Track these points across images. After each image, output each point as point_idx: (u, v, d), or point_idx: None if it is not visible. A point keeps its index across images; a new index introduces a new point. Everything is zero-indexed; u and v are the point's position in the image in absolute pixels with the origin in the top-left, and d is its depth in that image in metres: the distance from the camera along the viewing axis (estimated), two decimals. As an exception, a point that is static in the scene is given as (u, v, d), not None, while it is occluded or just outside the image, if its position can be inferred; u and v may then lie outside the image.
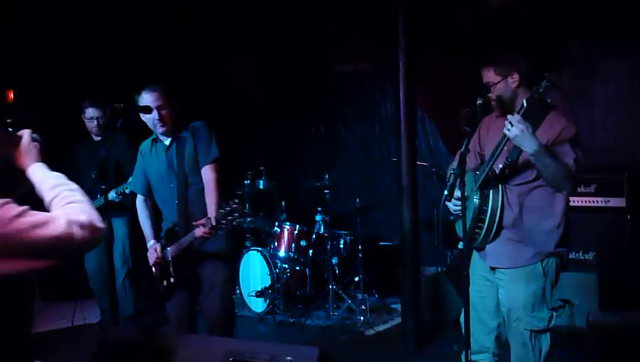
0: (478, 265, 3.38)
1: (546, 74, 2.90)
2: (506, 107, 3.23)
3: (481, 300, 3.27)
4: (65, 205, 1.87)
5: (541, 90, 2.91)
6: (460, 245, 3.62)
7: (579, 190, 5.35)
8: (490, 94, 3.24)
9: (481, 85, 3.24)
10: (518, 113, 2.95)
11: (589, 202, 5.34)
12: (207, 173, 3.80)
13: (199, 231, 3.55)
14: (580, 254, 5.26)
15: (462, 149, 3.05)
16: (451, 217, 3.54)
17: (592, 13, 5.40)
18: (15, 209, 1.72)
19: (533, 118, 3.02)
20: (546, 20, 5.48)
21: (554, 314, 3.21)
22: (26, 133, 2.02)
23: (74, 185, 1.97)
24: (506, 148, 3.14)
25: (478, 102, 3.19)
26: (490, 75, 3.22)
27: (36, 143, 2.04)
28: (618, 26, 5.38)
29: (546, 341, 3.18)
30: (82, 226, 1.78)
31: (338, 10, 6.39)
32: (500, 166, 3.18)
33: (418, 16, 5.00)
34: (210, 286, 3.86)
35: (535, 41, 5.52)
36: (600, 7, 5.35)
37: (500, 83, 3.19)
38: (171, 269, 3.81)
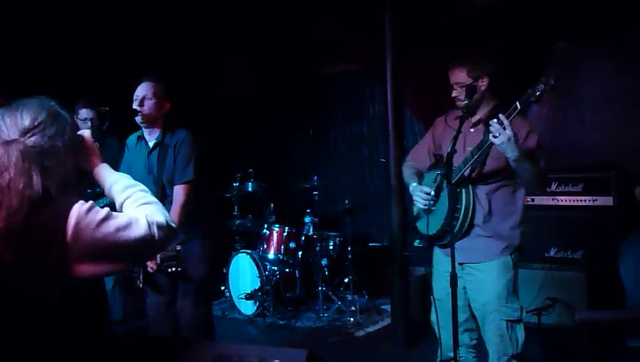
0: (443, 262, 3.45)
1: (542, 77, 2.92)
2: (470, 110, 3.27)
3: (449, 296, 3.29)
4: (139, 206, 1.86)
5: (537, 93, 2.91)
6: (416, 243, 3.76)
7: (566, 189, 5.38)
8: (458, 95, 3.29)
9: (468, 86, 3.26)
10: (508, 116, 2.96)
11: (577, 201, 5.36)
12: (177, 193, 3.79)
13: (149, 264, 3.59)
14: (569, 253, 5.28)
15: (449, 150, 3.08)
16: (415, 213, 3.62)
17: (579, 13, 5.41)
18: (101, 212, 1.71)
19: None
20: (532, 20, 5.49)
21: (522, 306, 3.32)
22: (86, 133, 1.99)
23: (144, 186, 1.97)
24: (470, 148, 3.23)
25: (465, 102, 3.22)
26: (461, 76, 3.28)
27: (96, 143, 2.01)
28: (605, 26, 5.40)
29: (521, 331, 3.28)
30: (160, 227, 1.78)
31: (326, 10, 6.38)
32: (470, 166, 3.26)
33: (405, 16, 5.01)
34: (183, 293, 3.88)
35: (522, 40, 5.54)
36: (587, 7, 5.36)
37: (470, 85, 3.25)
38: (141, 276, 3.81)
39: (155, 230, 1.76)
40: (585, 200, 5.32)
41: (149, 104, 3.79)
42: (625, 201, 5.09)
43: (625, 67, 5.58)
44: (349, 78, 7.39)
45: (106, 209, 1.73)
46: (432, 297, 3.53)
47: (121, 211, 1.89)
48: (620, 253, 4.77)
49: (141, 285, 3.83)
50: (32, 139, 1.71)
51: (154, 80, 3.86)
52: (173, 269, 3.54)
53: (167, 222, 1.81)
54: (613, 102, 5.67)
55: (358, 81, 7.35)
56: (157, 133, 3.89)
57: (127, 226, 1.72)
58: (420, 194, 3.43)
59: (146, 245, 1.75)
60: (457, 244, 3.26)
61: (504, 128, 2.91)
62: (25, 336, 1.68)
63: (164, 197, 3.80)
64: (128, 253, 1.74)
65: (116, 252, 1.71)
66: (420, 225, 3.61)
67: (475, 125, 3.33)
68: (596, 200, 5.27)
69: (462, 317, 3.37)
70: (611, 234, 5.10)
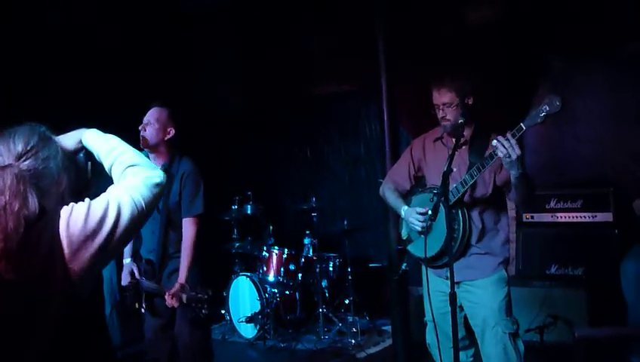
0: (436, 282, 3.48)
1: (546, 98, 2.94)
2: (454, 131, 3.28)
3: (443, 316, 3.36)
4: (122, 172, 1.89)
5: (543, 114, 2.92)
6: (404, 266, 3.79)
7: (566, 206, 5.38)
8: (445, 115, 3.30)
9: (463, 105, 3.27)
10: (512, 136, 2.97)
11: (576, 218, 5.36)
12: (187, 227, 3.76)
13: (168, 300, 3.58)
14: (569, 270, 5.26)
15: (445, 169, 3.07)
16: (404, 236, 3.62)
17: (571, 30, 5.43)
18: (81, 207, 1.74)
19: (481, 142, 3.12)
20: (526, 38, 5.51)
21: (519, 322, 3.37)
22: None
23: (124, 147, 1.98)
24: (455, 169, 3.24)
25: (460, 121, 3.23)
26: (450, 96, 3.29)
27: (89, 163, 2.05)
28: (597, 42, 5.42)
29: (520, 344, 3.33)
30: (141, 192, 1.82)
31: (321, 30, 6.41)
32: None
33: (399, 35, 5.03)
34: (181, 318, 3.84)
35: (515, 58, 5.56)
36: (579, 24, 5.39)
37: (458, 105, 3.28)
38: (143, 301, 3.79)
39: (138, 198, 1.80)
40: (584, 217, 5.32)
41: (150, 129, 3.80)
42: (623, 217, 5.08)
43: (618, 82, 5.59)
44: (344, 98, 7.40)
45: (86, 200, 1.77)
46: (425, 320, 3.53)
47: (111, 175, 1.94)
48: (621, 266, 4.75)
49: (143, 310, 3.82)
50: (27, 163, 1.75)
51: (160, 105, 3.88)
52: (204, 312, 3.52)
53: (143, 182, 1.84)
54: (608, 117, 5.67)
55: (354, 101, 7.35)
56: (162, 160, 3.88)
57: (110, 208, 1.75)
58: (416, 217, 3.42)
59: (135, 216, 1.79)
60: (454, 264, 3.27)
61: (512, 148, 2.93)
62: (30, 354, 1.68)
63: (168, 222, 3.79)
64: (122, 230, 1.76)
65: (110, 236, 1.74)
66: (413, 248, 3.60)
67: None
68: (596, 216, 5.26)
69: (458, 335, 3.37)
70: (612, 250, 5.09)
